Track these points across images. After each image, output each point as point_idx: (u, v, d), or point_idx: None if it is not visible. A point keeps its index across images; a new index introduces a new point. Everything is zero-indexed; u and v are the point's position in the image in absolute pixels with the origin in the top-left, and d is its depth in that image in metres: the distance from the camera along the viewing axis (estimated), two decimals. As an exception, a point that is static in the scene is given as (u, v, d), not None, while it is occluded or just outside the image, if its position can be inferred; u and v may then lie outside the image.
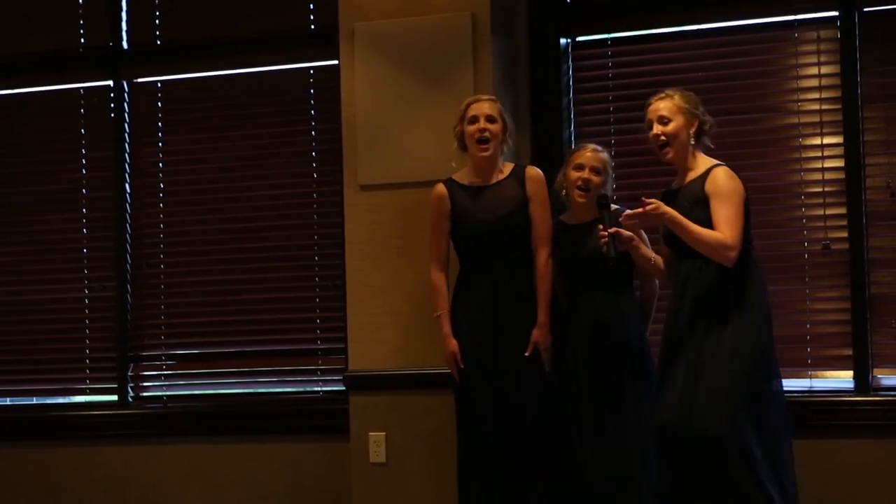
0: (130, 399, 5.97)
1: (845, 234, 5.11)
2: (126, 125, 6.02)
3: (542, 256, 4.82)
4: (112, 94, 6.02)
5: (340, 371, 5.54)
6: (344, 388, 5.40)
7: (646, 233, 4.66)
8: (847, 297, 5.10)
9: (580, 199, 4.78)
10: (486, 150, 4.81)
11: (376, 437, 5.24)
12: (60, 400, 6.15)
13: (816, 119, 5.18)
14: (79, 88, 6.10)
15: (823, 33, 5.19)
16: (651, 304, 4.90)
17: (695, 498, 4.37)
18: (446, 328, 4.83)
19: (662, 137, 4.49)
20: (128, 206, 6.00)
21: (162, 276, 5.98)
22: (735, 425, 4.29)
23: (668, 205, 4.44)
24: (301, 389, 5.80)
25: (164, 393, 5.99)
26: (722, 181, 4.38)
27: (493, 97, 4.90)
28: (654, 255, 4.61)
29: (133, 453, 5.85)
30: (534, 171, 4.89)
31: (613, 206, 4.69)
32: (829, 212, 5.16)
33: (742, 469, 4.29)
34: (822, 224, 5.16)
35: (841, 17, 5.13)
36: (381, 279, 5.25)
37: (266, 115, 5.84)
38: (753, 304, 4.41)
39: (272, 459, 5.68)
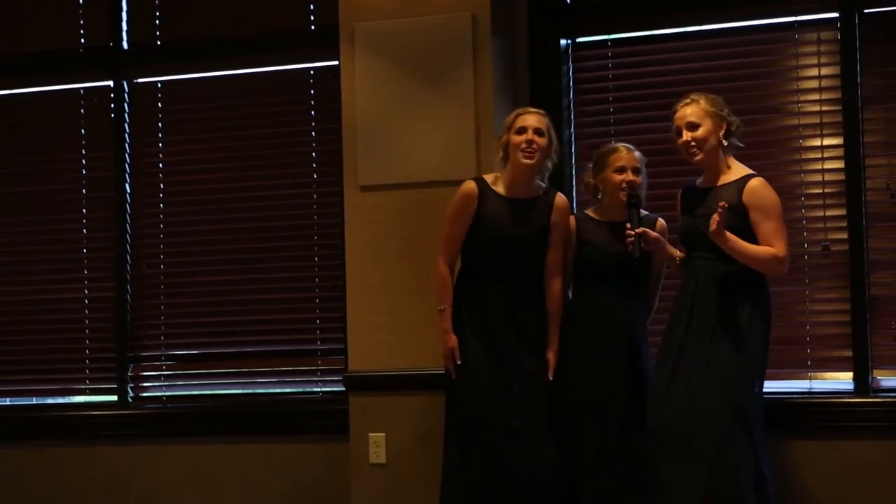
0: (130, 399, 5.97)
1: (845, 236, 5.11)
2: (126, 125, 6.02)
3: (557, 285, 4.84)
4: (112, 95, 6.02)
5: (340, 371, 5.54)
6: (344, 388, 5.41)
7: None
8: (847, 298, 5.10)
9: (625, 199, 4.75)
10: (531, 159, 4.77)
11: (376, 437, 5.24)
12: (60, 400, 6.15)
13: (816, 120, 5.18)
14: (79, 88, 6.10)
15: (824, 34, 5.18)
16: (654, 298, 4.91)
17: (688, 499, 4.37)
18: (448, 323, 4.82)
19: (693, 143, 4.50)
20: (128, 206, 6.00)
21: (162, 277, 5.98)
22: (733, 430, 4.30)
23: (693, 202, 4.54)
24: (301, 390, 5.80)
25: (163, 393, 5.99)
26: (764, 194, 4.44)
27: (542, 111, 4.89)
28: (679, 253, 4.64)
29: (133, 453, 5.85)
30: (562, 201, 4.88)
31: (643, 213, 4.73)
32: (828, 213, 5.16)
33: (735, 473, 4.31)
34: (821, 225, 5.17)
35: (841, 18, 5.13)
36: (382, 280, 5.25)
37: (266, 115, 5.84)
38: (762, 306, 4.44)
39: (272, 460, 5.68)
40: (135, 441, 5.85)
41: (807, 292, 5.14)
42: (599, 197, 4.86)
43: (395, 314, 5.23)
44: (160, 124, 6.01)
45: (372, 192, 5.28)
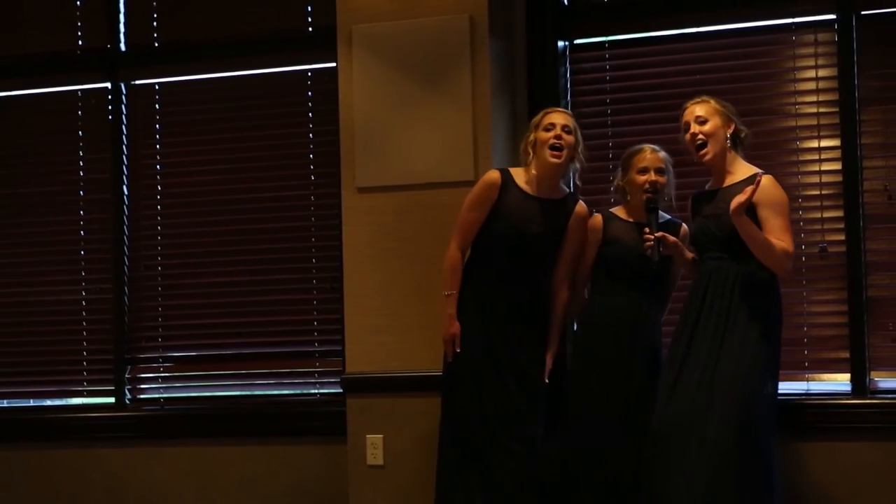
0: (128, 401, 5.97)
1: (842, 237, 5.11)
2: (124, 127, 6.02)
3: (564, 291, 4.87)
4: (110, 96, 6.02)
5: (338, 373, 5.54)
6: (341, 390, 5.40)
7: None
8: (844, 299, 5.10)
9: (653, 197, 4.76)
10: (559, 156, 4.77)
11: (373, 439, 5.24)
12: (58, 402, 6.14)
13: (814, 122, 5.18)
14: (77, 90, 6.10)
15: (821, 36, 5.19)
16: (668, 298, 4.94)
17: (690, 500, 4.37)
18: (453, 309, 4.82)
19: (700, 136, 4.54)
20: (125, 208, 6.00)
21: (159, 279, 5.98)
22: (739, 431, 4.30)
23: (702, 205, 4.56)
24: (298, 391, 5.80)
25: (161, 395, 5.98)
26: (772, 191, 4.45)
27: (569, 111, 4.92)
28: (694, 256, 4.67)
29: (130, 455, 5.85)
30: (582, 208, 4.90)
31: (666, 217, 4.77)
32: (826, 215, 5.16)
33: (743, 477, 4.31)
34: (819, 227, 5.17)
35: (838, 20, 5.14)
36: (379, 281, 5.25)
37: (264, 117, 5.84)
38: (773, 309, 4.45)
39: (269, 461, 5.68)
40: (133, 443, 5.85)
41: (804, 294, 5.15)
42: (628, 199, 4.87)
43: (393, 316, 5.23)
44: (158, 126, 6.01)
45: (370, 193, 5.28)
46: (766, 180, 4.48)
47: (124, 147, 6.01)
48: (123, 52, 6.05)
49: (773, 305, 4.51)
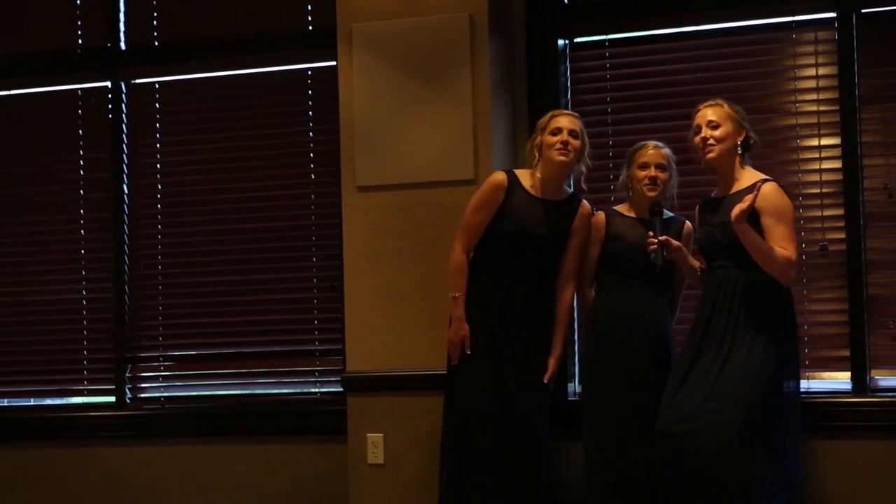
0: (128, 400, 5.97)
1: (843, 236, 5.11)
2: (124, 126, 6.02)
3: (569, 291, 4.88)
4: (110, 95, 6.02)
5: (338, 372, 5.54)
6: (342, 389, 5.40)
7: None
8: (844, 298, 5.10)
9: (651, 193, 4.78)
10: (566, 154, 4.77)
11: (374, 438, 5.24)
12: (58, 401, 6.14)
13: (814, 120, 5.18)
14: (77, 89, 6.09)
15: (821, 34, 5.19)
16: (678, 297, 4.94)
17: (693, 500, 4.37)
18: (461, 311, 4.81)
19: (711, 141, 4.52)
20: (125, 207, 6.00)
21: (160, 278, 5.97)
22: (744, 433, 4.30)
23: (708, 213, 4.58)
24: (299, 390, 5.80)
25: (161, 394, 5.98)
26: (776, 198, 4.44)
27: (576, 114, 4.92)
28: (699, 264, 4.66)
29: (131, 454, 5.85)
30: (586, 209, 4.91)
31: (668, 214, 4.77)
32: (826, 213, 5.16)
33: (744, 482, 4.30)
34: (819, 225, 5.17)
35: (838, 18, 5.14)
36: (380, 280, 5.25)
37: (264, 116, 5.84)
38: (782, 314, 4.45)
39: (270, 460, 5.68)
40: (133, 442, 5.85)
41: (804, 292, 5.14)
42: (630, 194, 4.88)
43: (394, 315, 5.23)
44: (158, 125, 6.01)
45: (370, 192, 5.28)
46: (770, 187, 4.48)
47: (124, 146, 6.01)
48: (123, 50, 6.04)
49: (783, 311, 4.50)
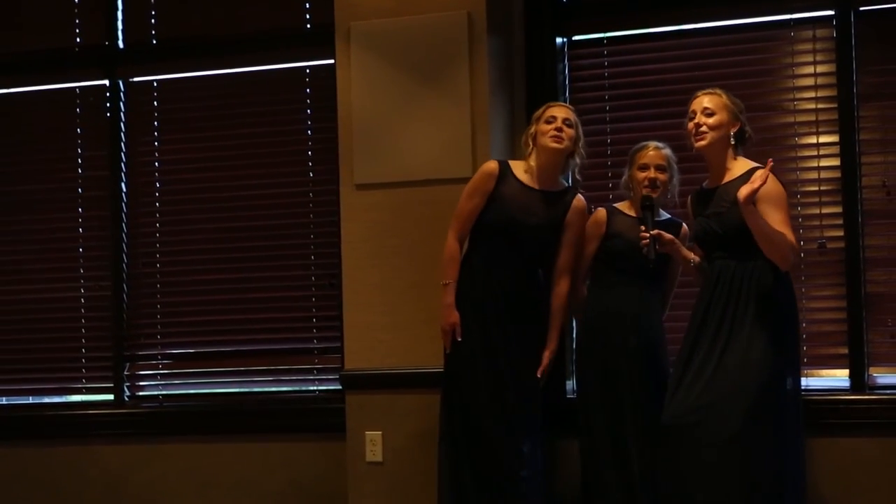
0: (126, 398, 5.97)
1: (841, 233, 5.11)
2: (122, 124, 6.02)
3: (564, 285, 4.87)
4: (108, 94, 6.02)
5: (337, 370, 5.54)
6: (340, 387, 5.40)
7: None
8: (843, 295, 5.10)
9: (651, 195, 4.78)
10: (560, 143, 4.79)
11: (372, 436, 5.24)
12: (57, 399, 6.15)
13: (812, 118, 5.19)
14: (75, 88, 6.09)
15: (819, 32, 5.19)
16: (669, 295, 4.96)
17: (697, 500, 4.37)
18: (451, 298, 4.82)
19: (703, 129, 4.51)
20: (124, 205, 5.99)
21: (158, 276, 5.97)
22: (745, 425, 4.30)
23: (702, 204, 4.56)
24: (297, 388, 5.80)
25: (160, 392, 5.98)
26: (770, 186, 4.40)
27: (570, 105, 4.94)
28: (693, 256, 4.66)
29: (129, 452, 5.85)
30: (581, 202, 4.91)
31: (666, 216, 4.80)
32: (824, 210, 5.16)
33: (747, 476, 4.31)
34: (818, 223, 5.17)
35: (837, 16, 5.14)
36: (378, 278, 5.25)
37: (262, 114, 5.84)
38: (783, 306, 4.45)
39: (268, 458, 5.68)
40: (131, 440, 5.85)
41: (803, 290, 5.14)
42: (632, 194, 4.89)
43: (392, 312, 5.23)
44: (156, 123, 6.01)
45: (368, 190, 5.28)
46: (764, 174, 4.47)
47: (122, 144, 6.01)
48: (121, 49, 6.04)
49: (783, 300, 4.48)
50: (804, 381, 5.05)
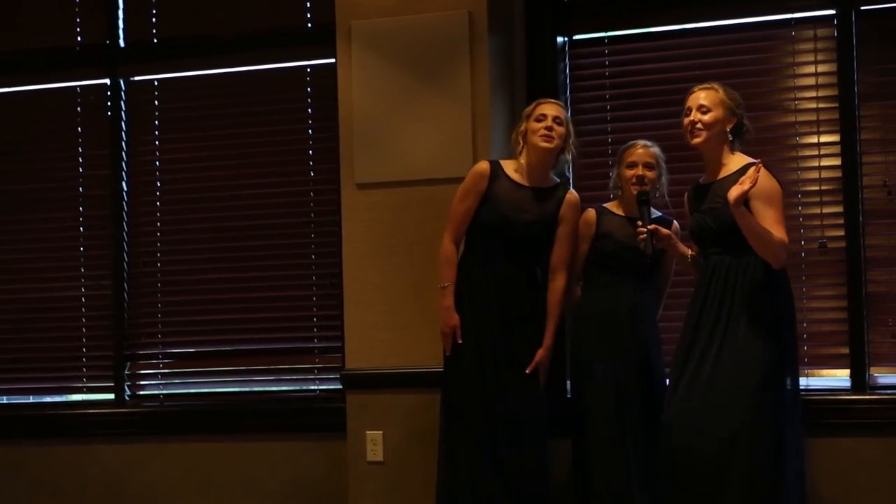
0: (127, 398, 5.97)
1: (842, 233, 5.11)
2: (123, 123, 6.01)
3: (560, 281, 4.87)
4: (109, 93, 6.02)
5: (337, 369, 5.54)
6: (341, 386, 5.40)
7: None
8: (844, 295, 5.10)
9: (644, 189, 4.79)
10: (550, 139, 4.79)
11: (373, 435, 5.24)
12: (57, 398, 6.15)
13: (813, 117, 5.18)
14: (75, 87, 6.09)
15: (820, 32, 5.19)
16: (663, 293, 4.97)
17: (699, 497, 4.37)
18: (449, 301, 4.83)
19: (699, 126, 4.51)
20: (125, 204, 5.99)
21: (159, 275, 5.97)
22: (745, 421, 4.30)
23: (698, 200, 4.55)
24: (298, 388, 5.80)
25: (160, 391, 5.99)
26: (765, 182, 4.40)
27: (560, 102, 4.94)
28: (689, 251, 4.66)
29: (130, 452, 5.85)
30: (573, 197, 4.91)
31: (657, 214, 4.79)
32: (825, 210, 5.16)
33: (747, 474, 4.30)
34: (818, 222, 5.17)
35: (838, 15, 5.14)
36: (379, 277, 5.25)
37: (263, 113, 5.84)
38: (779, 302, 4.44)
39: (269, 458, 5.68)
40: (132, 439, 5.85)
41: (804, 289, 5.14)
42: (620, 193, 4.90)
43: (393, 312, 5.23)
44: (157, 122, 6.01)
45: (369, 189, 5.28)
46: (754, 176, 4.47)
47: (123, 143, 6.01)
48: (122, 48, 6.04)
49: (780, 296, 4.47)
50: (805, 381, 5.08)
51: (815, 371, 5.15)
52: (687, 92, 4.63)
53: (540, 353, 4.81)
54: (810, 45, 5.20)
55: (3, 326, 6.13)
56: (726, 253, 4.46)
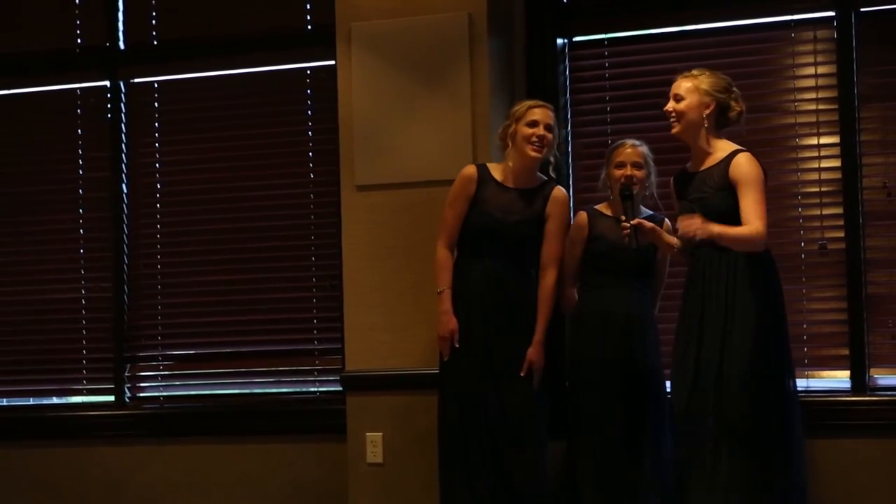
0: (127, 399, 5.97)
1: (842, 234, 5.11)
2: (123, 125, 6.02)
3: (549, 277, 4.86)
4: (109, 95, 6.02)
5: (337, 371, 5.54)
6: (341, 388, 5.40)
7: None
8: (844, 297, 5.10)
9: (629, 183, 4.79)
10: (539, 153, 4.81)
11: (373, 437, 5.24)
12: (57, 400, 6.15)
13: (813, 119, 5.18)
14: (76, 89, 6.10)
15: (820, 33, 5.19)
16: (659, 288, 4.97)
17: (711, 486, 4.37)
18: (447, 305, 4.83)
19: (673, 115, 4.53)
20: (125, 206, 6.00)
21: (159, 277, 5.97)
22: (757, 409, 4.31)
23: (684, 187, 4.55)
24: (298, 390, 5.80)
25: (160, 393, 5.98)
26: (746, 168, 4.42)
27: (550, 105, 4.93)
28: (675, 240, 4.66)
29: (130, 454, 5.85)
30: (560, 193, 4.91)
31: (648, 213, 4.80)
32: (825, 212, 5.16)
33: (764, 460, 4.31)
34: (818, 224, 5.17)
35: (837, 17, 5.14)
36: (378, 279, 5.25)
37: (263, 115, 5.84)
38: (769, 291, 4.45)
39: (269, 460, 5.68)
40: (132, 441, 5.85)
41: (804, 291, 5.14)
42: (611, 196, 4.90)
43: (393, 314, 5.23)
44: (157, 124, 6.01)
45: (369, 191, 5.28)
46: (743, 157, 4.47)
47: (123, 145, 6.01)
48: (122, 50, 6.04)
49: (768, 284, 4.46)
50: (805, 383, 5.09)
51: (816, 372, 5.14)
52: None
53: (530, 351, 4.79)
54: (810, 47, 5.20)
55: (4, 328, 6.13)
56: (714, 245, 4.44)
